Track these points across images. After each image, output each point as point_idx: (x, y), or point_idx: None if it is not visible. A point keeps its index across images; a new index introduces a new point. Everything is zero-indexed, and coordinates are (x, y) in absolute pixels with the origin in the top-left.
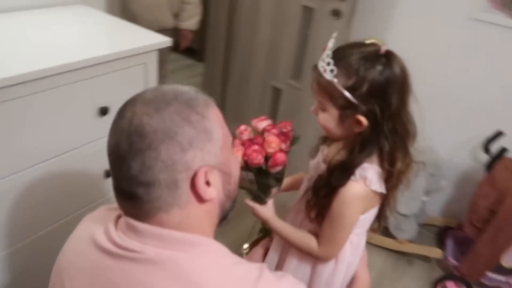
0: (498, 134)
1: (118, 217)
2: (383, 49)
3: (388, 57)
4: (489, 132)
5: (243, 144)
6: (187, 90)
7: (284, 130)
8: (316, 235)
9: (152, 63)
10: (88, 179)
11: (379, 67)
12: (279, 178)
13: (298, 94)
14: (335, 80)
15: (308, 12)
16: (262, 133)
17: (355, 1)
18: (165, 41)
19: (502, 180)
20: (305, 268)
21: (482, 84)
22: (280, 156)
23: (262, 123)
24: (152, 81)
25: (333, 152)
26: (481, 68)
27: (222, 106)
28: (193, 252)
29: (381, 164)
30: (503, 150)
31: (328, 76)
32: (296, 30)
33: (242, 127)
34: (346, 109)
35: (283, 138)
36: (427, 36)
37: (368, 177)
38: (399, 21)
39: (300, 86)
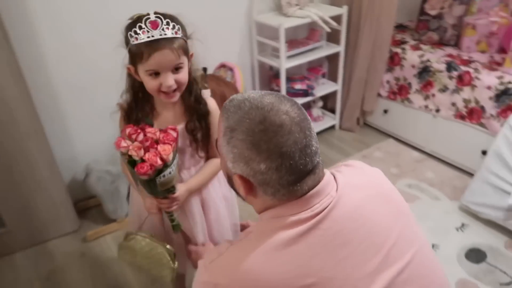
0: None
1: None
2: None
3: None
4: None
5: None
6: None
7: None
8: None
9: None
10: None
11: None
12: None
13: None
14: (182, 35)
15: None
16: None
17: None
18: None
19: (217, 89)
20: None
21: None
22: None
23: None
24: None
25: (171, 116)
26: None
27: None
28: (338, 175)
29: None
30: (205, 69)
31: (180, 34)
32: None
33: (128, 129)
34: (188, 52)
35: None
36: None
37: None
38: None
39: None
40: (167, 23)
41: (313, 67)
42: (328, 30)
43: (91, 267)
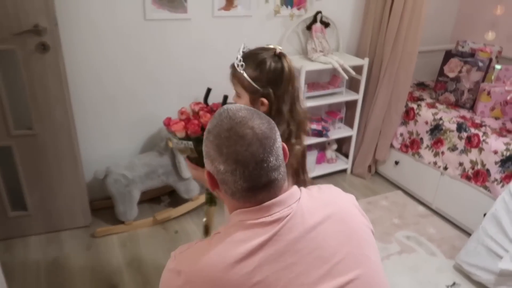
0: (209, 90)
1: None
2: (277, 50)
3: (280, 56)
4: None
5: (183, 121)
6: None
7: (214, 108)
8: None
9: None
10: None
11: (273, 64)
12: None
13: (34, 141)
14: (244, 73)
15: (6, 55)
16: (198, 113)
17: (56, 29)
18: None
19: None
20: None
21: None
22: None
23: (197, 106)
24: None
25: None
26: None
27: None
28: (305, 191)
29: None
30: (225, 97)
31: (240, 70)
32: None
33: (183, 109)
34: (253, 94)
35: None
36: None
37: None
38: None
39: (35, 132)
40: (239, 55)
41: (331, 111)
42: (346, 77)
43: (93, 260)
